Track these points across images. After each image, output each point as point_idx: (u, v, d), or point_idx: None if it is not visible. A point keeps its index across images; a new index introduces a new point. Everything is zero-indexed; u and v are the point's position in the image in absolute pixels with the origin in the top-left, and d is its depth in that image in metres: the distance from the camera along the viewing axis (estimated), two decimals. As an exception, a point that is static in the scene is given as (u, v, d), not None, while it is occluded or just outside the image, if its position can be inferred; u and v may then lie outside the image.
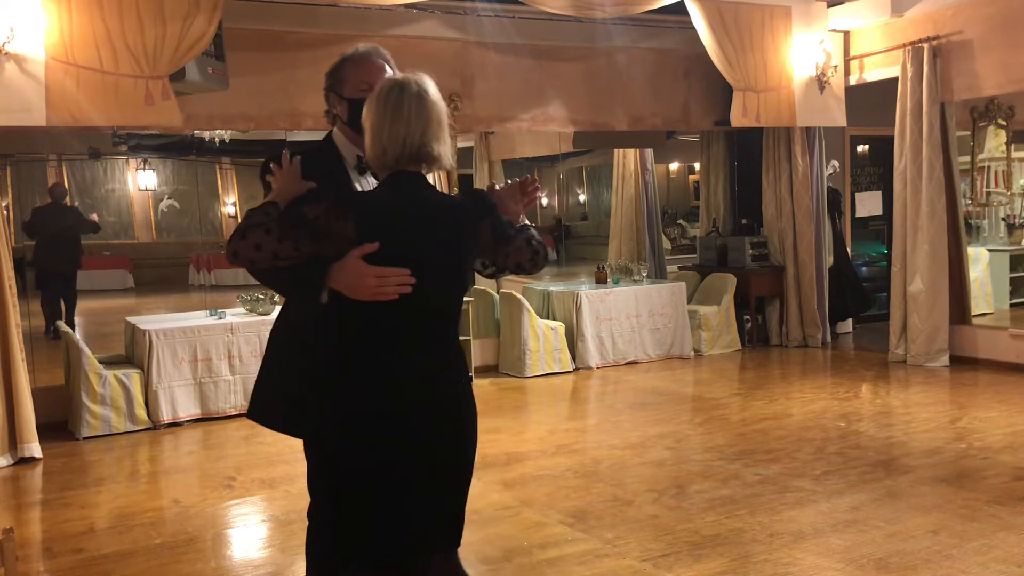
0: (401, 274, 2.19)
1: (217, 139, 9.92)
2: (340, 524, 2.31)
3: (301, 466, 5.39)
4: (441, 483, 2.42)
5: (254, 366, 6.68)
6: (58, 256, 9.16)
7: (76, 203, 11.63)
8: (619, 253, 10.38)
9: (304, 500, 4.78)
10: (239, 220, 12.95)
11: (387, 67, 2.62)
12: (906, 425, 5.95)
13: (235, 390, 6.68)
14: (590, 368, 8.06)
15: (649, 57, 8.50)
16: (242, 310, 7.15)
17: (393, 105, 2.25)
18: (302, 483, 5.04)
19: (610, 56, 8.35)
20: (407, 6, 7.14)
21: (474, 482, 5.18)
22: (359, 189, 2.55)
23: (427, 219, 2.26)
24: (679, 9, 7.59)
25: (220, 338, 6.66)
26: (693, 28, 7.72)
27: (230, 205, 17.69)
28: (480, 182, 10.88)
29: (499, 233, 2.38)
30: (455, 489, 2.53)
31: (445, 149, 2.31)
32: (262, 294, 7.29)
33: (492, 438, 5.94)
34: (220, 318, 6.88)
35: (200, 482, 5.23)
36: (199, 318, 6.95)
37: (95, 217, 10.40)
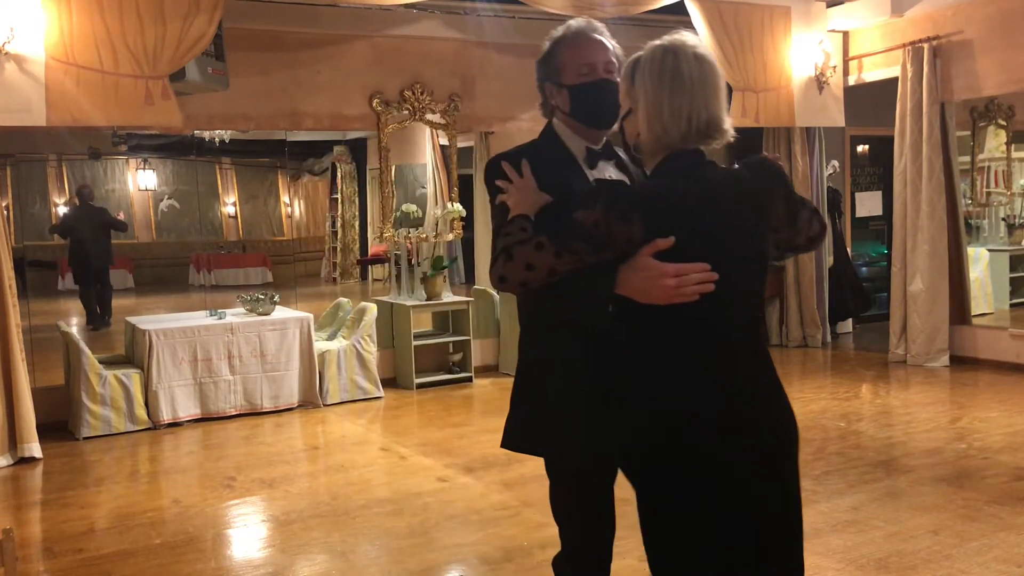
0: (701, 269, 1.84)
1: (217, 139, 9.93)
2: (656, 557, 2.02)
3: (301, 466, 5.40)
4: (777, 522, 1.97)
5: (254, 366, 6.73)
6: (93, 253, 9.80)
7: (72, 203, 11.65)
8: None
9: (303, 500, 4.80)
10: (239, 220, 13.01)
11: (606, 43, 2.33)
12: (906, 425, 5.95)
13: (235, 390, 6.68)
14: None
15: (649, 57, 8.49)
16: (242, 310, 7.15)
17: (671, 74, 1.89)
18: (302, 483, 5.07)
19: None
20: (407, 6, 7.15)
21: (474, 482, 5.21)
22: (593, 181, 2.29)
23: (722, 203, 1.91)
24: (679, 9, 7.58)
25: (220, 338, 6.66)
26: (693, 28, 7.71)
27: (230, 205, 17.71)
28: (479, 182, 10.87)
29: (791, 205, 2.05)
30: (792, 530, 2.01)
31: (729, 119, 1.98)
32: (262, 294, 7.29)
33: (492, 438, 5.93)
34: (220, 318, 6.88)
35: (200, 482, 5.23)
36: (199, 318, 6.95)
37: (121, 216, 10.86)
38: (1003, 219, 11.07)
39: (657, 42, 1.94)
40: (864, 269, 10.09)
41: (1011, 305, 9.96)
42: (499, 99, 8.04)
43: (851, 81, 8.59)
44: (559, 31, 2.34)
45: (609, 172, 2.32)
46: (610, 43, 2.33)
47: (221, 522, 4.56)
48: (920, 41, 7.76)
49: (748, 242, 1.95)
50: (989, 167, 11.37)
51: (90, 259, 9.76)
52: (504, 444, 2.39)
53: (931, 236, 7.77)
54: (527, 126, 8.52)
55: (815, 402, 6.66)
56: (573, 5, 7.13)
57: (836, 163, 9.55)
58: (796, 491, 1.99)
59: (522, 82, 8.02)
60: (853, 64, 8.57)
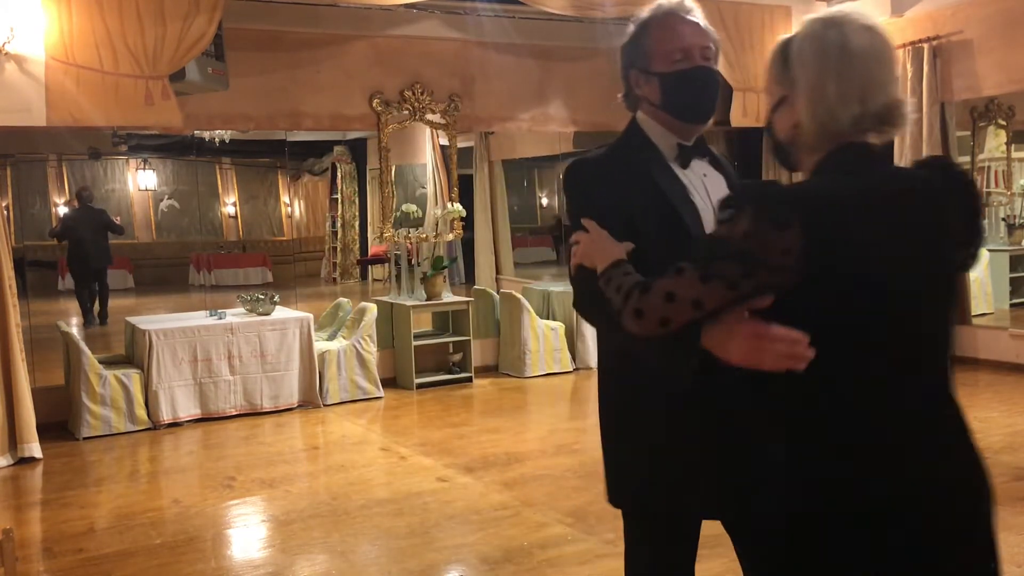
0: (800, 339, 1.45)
1: (217, 139, 9.93)
2: None
3: (301, 466, 5.41)
4: None
5: (254, 366, 6.72)
6: (92, 254, 10.05)
7: (72, 204, 11.69)
8: (619, 253, 10.36)
9: (303, 500, 4.80)
10: (239, 220, 13.06)
11: (702, 25, 2.04)
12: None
13: (235, 390, 6.68)
14: (590, 368, 8.06)
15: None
16: (242, 310, 7.15)
17: (837, 49, 1.52)
18: (302, 483, 5.07)
19: (611, 56, 8.23)
20: (407, 6, 7.14)
21: (474, 482, 5.21)
22: (687, 185, 1.97)
23: (903, 210, 1.50)
24: (679, 9, 7.58)
25: (220, 338, 6.66)
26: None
27: (230, 205, 17.71)
28: (480, 182, 10.89)
29: (976, 221, 1.64)
30: None
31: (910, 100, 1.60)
32: (262, 294, 7.29)
33: (492, 438, 5.94)
34: (220, 318, 6.88)
35: (200, 482, 5.23)
36: (199, 318, 6.95)
37: (118, 220, 11.01)
38: (1003, 219, 11.06)
39: (815, 15, 1.60)
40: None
41: (1011, 305, 9.95)
42: (499, 99, 8.05)
43: (851, 81, 8.57)
44: (646, 11, 2.04)
45: (704, 172, 2.04)
46: (706, 26, 2.03)
47: (221, 522, 4.55)
48: (920, 41, 7.76)
49: (939, 262, 1.53)
50: (989, 167, 11.37)
51: (89, 260, 9.94)
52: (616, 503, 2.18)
53: (931, 236, 7.76)
54: (527, 126, 8.53)
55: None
56: (573, 5, 7.12)
57: (836, 163, 9.53)
58: None
59: (522, 82, 8.03)
60: (853, 64, 8.55)
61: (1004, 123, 11.08)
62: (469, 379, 7.70)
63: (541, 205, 22.22)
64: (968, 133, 10.70)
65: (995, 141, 11.33)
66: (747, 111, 8.03)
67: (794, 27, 7.90)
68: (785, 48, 1.61)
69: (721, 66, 7.93)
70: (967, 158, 10.55)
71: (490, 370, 8.10)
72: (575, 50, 8.22)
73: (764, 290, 1.44)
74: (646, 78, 2.01)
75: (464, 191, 8.56)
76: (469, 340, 7.73)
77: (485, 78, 7.94)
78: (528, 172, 20.25)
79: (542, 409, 7.10)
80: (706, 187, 2.01)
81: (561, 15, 7.35)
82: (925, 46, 7.70)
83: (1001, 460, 5.01)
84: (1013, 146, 11.47)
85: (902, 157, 7.94)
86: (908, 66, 7.83)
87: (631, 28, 2.06)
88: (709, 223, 1.88)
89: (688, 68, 1.98)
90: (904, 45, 7.90)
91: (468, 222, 8.83)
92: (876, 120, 1.54)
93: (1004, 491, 4.48)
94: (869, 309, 1.45)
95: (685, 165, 2.01)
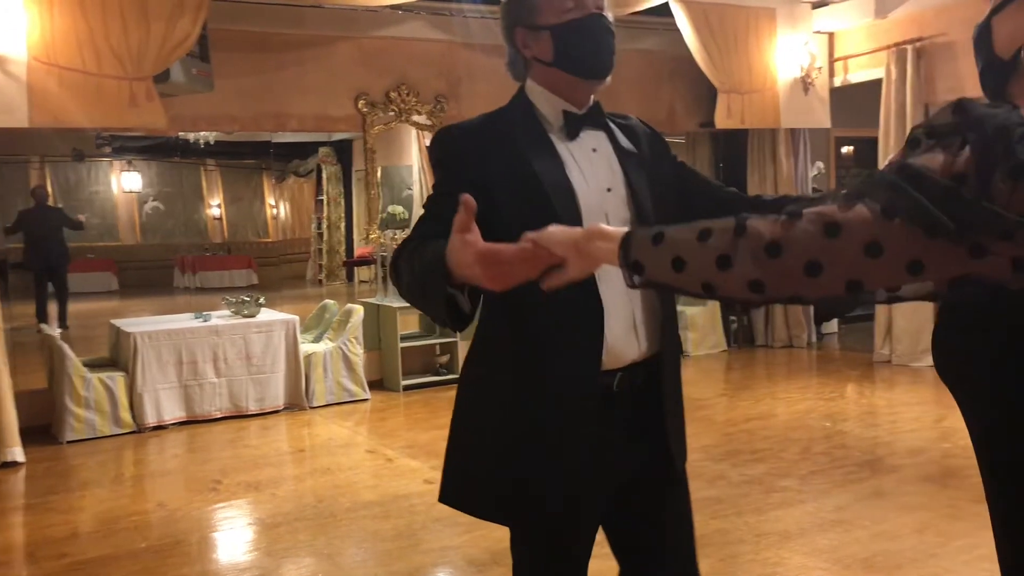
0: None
1: (202, 141, 9.90)
2: None
3: (287, 469, 5.37)
4: None
5: (240, 368, 6.70)
6: (47, 253, 9.97)
7: (60, 206, 11.62)
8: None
9: (289, 503, 4.78)
10: (224, 222, 13.06)
11: None
12: (891, 425, 5.98)
13: (220, 393, 6.65)
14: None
15: (634, 59, 8.52)
16: (227, 312, 7.12)
17: None
18: (288, 486, 5.05)
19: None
20: (392, 7, 7.14)
21: (461, 484, 5.15)
22: (567, 160, 1.76)
23: None
24: (664, 11, 7.60)
25: (205, 341, 6.62)
26: (678, 30, 7.73)
27: (215, 207, 17.63)
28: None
29: None
30: None
31: None
32: (247, 296, 7.26)
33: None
34: (205, 320, 6.84)
35: (185, 485, 5.20)
36: (184, 320, 6.92)
37: (82, 218, 10.84)
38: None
39: None
40: (849, 270, 10.13)
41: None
42: (486, 100, 7.99)
43: (836, 82, 8.62)
44: None
45: (594, 146, 1.82)
46: None
47: (207, 525, 4.53)
48: (904, 43, 7.80)
49: None
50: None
51: (44, 258, 9.93)
52: (441, 498, 1.96)
53: (915, 237, 7.80)
54: (513, 127, 8.52)
55: (801, 402, 6.68)
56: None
57: (821, 164, 9.59)
58: None
59: (509, 84, 8.00)
60: (838, 65, 8.60)
61: (987, 124, 11.14)
62: (456, 381, 7.67)
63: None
64: (951, 134, 10.74)
65: (978, 142, 11.41)
66: (731, 112, 8.05)
67: (779, 29, 7.87)
68: None
69: (706, 69, 7.97)
70: (950, 159, 10.60)
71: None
72: (561, 51, 8.22)
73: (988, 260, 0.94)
74: (534, 35, 1.78)
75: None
76: (456, 342, 7.72)
77: (471, 79, 7.93)
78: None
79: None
80: (592, 164, 1.79)
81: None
82: (909, 48, 7.74)
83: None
84: (996, 147, 11.54)
85: (886, 159, 7.98)
86: (892, 67, 7.87)
87: None
88: (589, 205, 1.73)
89: (583, 16, 1.76)
90: (888, 47, 7.94)
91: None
92: None
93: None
94: None
95: (573, 136, 1.80)
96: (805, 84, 8.36)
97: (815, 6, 8.42)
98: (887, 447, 5.45)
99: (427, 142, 8.11)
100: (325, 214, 16.22)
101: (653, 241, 1.12)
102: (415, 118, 7.76)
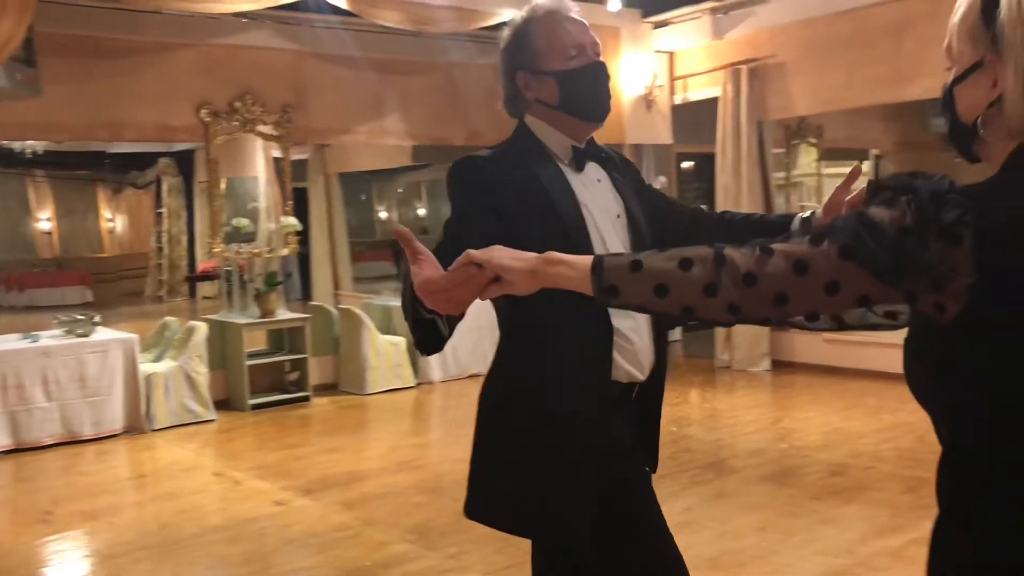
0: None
1: (29, 150, 9.29)
2: None
3: (126, 496, 5.10)
4: None
5: (73, 391, 6.31)
6: None
7: None
8: (458, 267, 10.40)
9: (130, 531, 4.53)
10: (55, 236, 12.38)
11: (585, 21, 1.97)
12: (732, 428, 6.25)
13: (52, 418, 6.23)
14: (432, 382, 8.04)
15: (487, 72, 8.59)
16: (59, 332, 6.69)
17: None
18: (128, 514, 4.79)
19: (448, 71, 8.39)
20: (236, 15, 6.93)
21: (313, 503, 5.08)
22: (579, 190, 1.89)
23: None
24: (513, 26, 7.71)
25: (34, 363, 6.20)
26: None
27: (44, 220, 16.59)
28: (315, 195, 10.68)
29: None
30: None
31: None
32: (81, 315, 6.85)
33: (331, 458, 5.81)
34: (34, 341, 6.41)
35: (12, 518, 4.84)
36: (9, 341, 6.46)
37: None
38: (815, 231, 11.82)
39: None
40: (692, 280, 10.52)
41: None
42: (335, 111, 7.92)
43: (677, 100, 8.97)
44: (525, 12, 1.95)
45: (598, 176, 1.96)
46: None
47: (36, 560, 4.23)
48: (739, 63, 8.21)
49: None
50: (802, 182, 12.15)
51: None
52: (468, 514, 2.01)
53: (752, 248, 8.19)
54: (363, 139, 8.45)
55: (649, 409, 6.88)
56: (408, 19, 7.12)
57: (664, 179, 9.94)
58: None
59: (359, 94, 7.94)
60: (679, 84, 8.96)
61: (815, 141, 11.87)
62: (307, 398, 7.51)
63: (380, 219, 22.02)
64: (783, 151, 11.39)
65: (807, 158, 12.13)
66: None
67: (623, 47, 8.14)
68: (983, 6, 1.21)
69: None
70: (783, 174, 11.22)
71: (329, 388, 7.93)
72: (413, 63, 8.21)
73: (916, 300, 1.08)
74: (537, 79, 1.92)
75: (299, 204, 8.37)
76: (306, 358, 7.54)
77: (320, 90, 7.80)
78: (366, 185, 20.05)
79: (383, 426, 7.01)
80: (598, 193, 1.94)
81: (397, 29, 7.33)
82: (743, 68, 8.14)
83: (819, 457, 5.33)
84: (823, 163, 12.32)
85: (723, 173, 8.37)
86: (728, 86, 8.26)
87: (507, 32, 1.97)
88: (601, 231, 1.88)
89: (586, 64, 1.92)
90: (725, 66, 8.33)
91: (304, 236, 8.63)
92: None
93: (823, 487, 4.77)
94: None
95: (580, 168, 1.94)
96: (648, 101, 8.66)
97: (656, 26, 8.74)
98: (729, 449, 5.68)
99: (274, 152, 7.92)
100: (165, 227, 15.55)
101: (631, 268, 1.20)
102: (261, 128, 7.55)
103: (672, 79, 8.93)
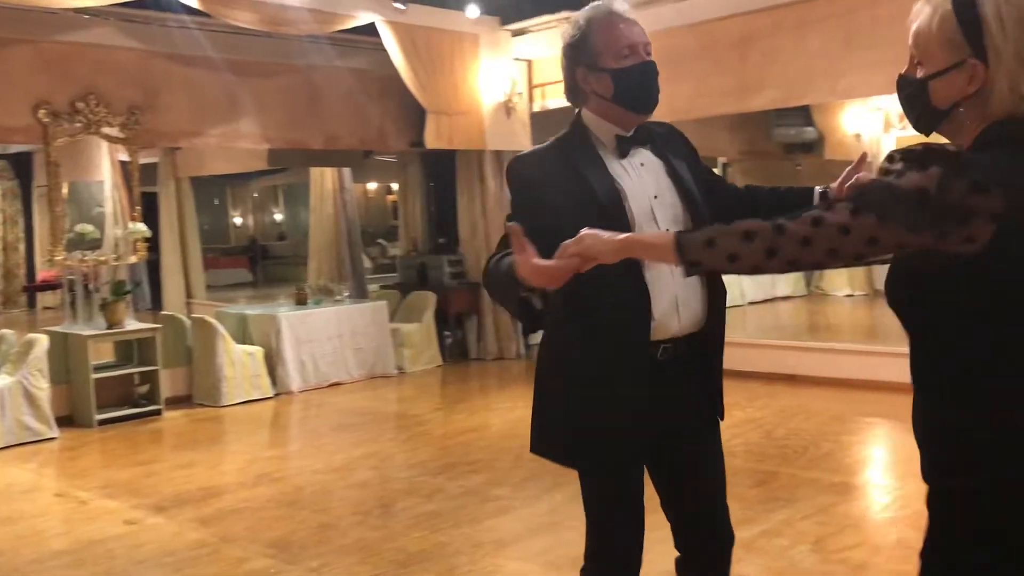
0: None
1: None
2: None
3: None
4: None
5: None
6: None
7: None
8: (319, 273, 10.23)
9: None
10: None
11: (638, 23, 2.23)
12: (594, 429, 6.37)
13: None
14: (291, 392, 7.85)
15: (345, 76, 8.49)
16: None
17: None
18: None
19: (306, 73, 8.23)
20: (77, 10, 6.58)
21: (167, 521, 4.87)
22: (620, 174, 2.16)
23: None
24: (374, 30, 7.64)
25: None
26: (385, 50, 7.81)
27: None
28: (166, 200, 10.28)
29: None
30: None
31: None
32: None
33: (186, 473, 5.58)
34: None
35: None
36: None
37: None
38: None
39: None
40: (552, 284, 10.70)
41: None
42: (186, 113, 7.63)
43: (536, 108, 9.10)
44: (586, 13, 2.19)
45: (642, 160, 2.22)
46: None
47: None
48: (595, 72, 8.38)
49: None
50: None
51: None
52: (534, 450, 2.36)
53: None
54: (216, 142, 8.18)
55: (513, 411, 6.94)
56: (263, 20, 6.95)
57: (524, 184, 10.07)
58: None
59: (211, 96, 7.68)
60: (537, 92, 9.09)
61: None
62: (159, 412, 7.19)
63: (235, 224, 21.33)
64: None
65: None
66: (440, 133, 8.24)
67: (482, 54, 8.15)
68: (967, 10, 1.48)
69: (413, 89, 8.09)
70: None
71: (182, 401, 7.62)
72: (269, 65, 8.00)
73: (948, 243, 1.41)
74: (596, 75, 2.17)
75: (148, 210, 8.02)
76: (157, 370, 7.22)
77: (170, 91, 7.49)
78: (220, 190, 19.42)
79: (240, 438, 6.79)
80: (641, 176, 2.20)
81: (252, 29, 7.13)
82: (599, 77, 8.33)
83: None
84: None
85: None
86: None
87: (571, 30, 2.19)
88: (639, 210, 2.13)
89: (638, 63, 2.19)
90: (581, 75, 8.51)
91: (153, 243, 8.28)
92: None
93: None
94: None
95: (624, 155, 2.20)
96: (508, 108, 8.75)
97: (515, 34, 8.85)
98: (591, 450, 5.79)
99: (121, 155, 7.58)
100: (0, 234, 14.62)
101: (705, 245, 1.55)
102: (106, 130, 7.19)
103: (531, 87, 9.06)
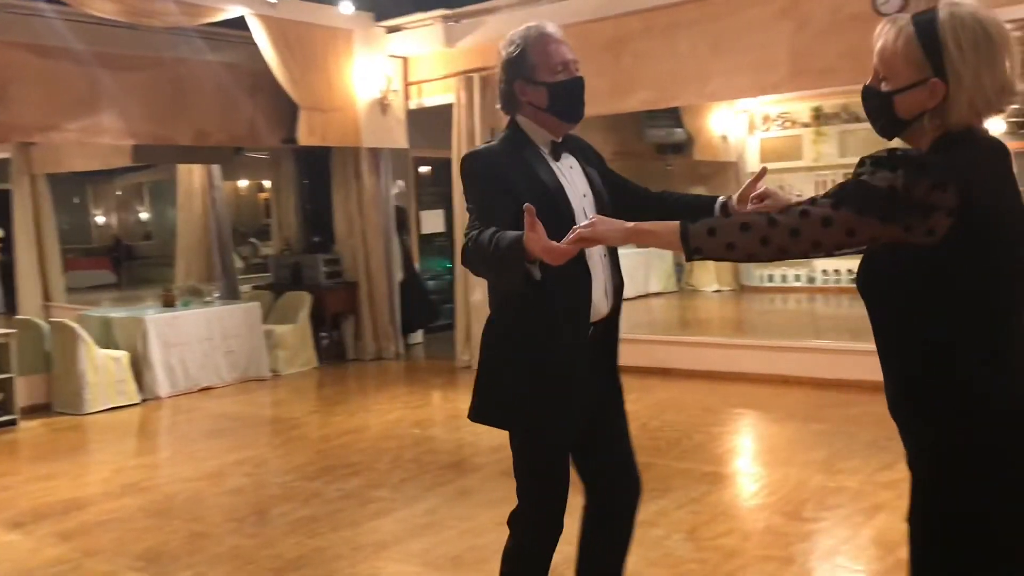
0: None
1: None
2: None
3: None
4: None
5: None
6: None
7: None
8: (188, 274, 9.88)
9: None
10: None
11: (567, 43, 2.51)
12: (473, 426, 6.33)
13: None
14: (159, 398, 7.55)
15: (214, 70, 8.21)
16: None
17: (986, 43, 1.68)
18: None
19: (173, 67, 7.92)
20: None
21: (23, 538, 4.62)
22: (558, 174, 2.46)
23: (1009, 174, 1.75)
24: (241, 24, 7.43)
25: None
26: (256, 44, 7.61)
27: None
28: (20, 198, 9.72)
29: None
30: None
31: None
32: None
33: (45, 486, 5.29)
34: None
35: None
36: None
37: None
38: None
39: (948, 4, 1.72)
40: (431, 282, 10.68)
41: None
42: (41, 106, 7.22)
43: (412, 105, 9.05)
44: (523, 32, 2.49)
45: (570, 164, 2.52)
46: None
47: None
48: (471, 71, 8.41)
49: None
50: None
51: None
52: (475, 418, 2.62)
53: (487, 251, 8.42)
54: (75, 137, 7.79)
55: (391, 412, 6.89)
56: (126, 11, 6.67)
57: (402, 183, 10.00)
58: None
59: (69, 88, 7.29)
60: (414, 89, 9.04)
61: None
62: (13, 422, 6.79)
63: (97, 224, 20.40)
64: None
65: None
66: (313, 130, 8.09)
67: (356, 50, 8.06)
68: (929, 31, 1.69)
69: (286, 85, 7.94)
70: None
71: (41, 409, 7.22)
72: (134, 58, 7.66)
73: (910, 234, 1.63)
74: (533, 87, 2.46)
75: (1, 209, 7.57)
76: (12, 377, 6.81)
77: (24, 82, 7.07)
78: (80, 187, 18.50)
79: (105, 448, 6.48)
80: (572, 177, 2.50)
81: (114, 21, 6.82)
82: (475, 76, 8.36)
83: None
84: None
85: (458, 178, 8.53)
86: (462, 93, 8.44)
87: (510, 47, 2.50)
88: (576, 203, 2.44)
89: (569, 79, 2.47)
90: (458, 74, 8.51)
91: (6, 243, 7.82)
92: (1006, 104, 1.73)
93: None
94: (1003, 258, 1.69)
95: (557, 158, 2.49)
96: (383, 105, 8.67)
97: (390, 30, 8.77)
98: (471, 447, 5.80)
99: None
100: None
101: (708, 234, 1.75)
102: (-48, 123, 6.74)
103: (407, 84, 9.00)
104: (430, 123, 9.43)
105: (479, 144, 8.33)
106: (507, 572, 2.63)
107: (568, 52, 2.49)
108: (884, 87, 1.78)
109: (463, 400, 7.76)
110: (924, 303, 1.71)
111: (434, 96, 8.91)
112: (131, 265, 18.20)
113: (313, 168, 9.75)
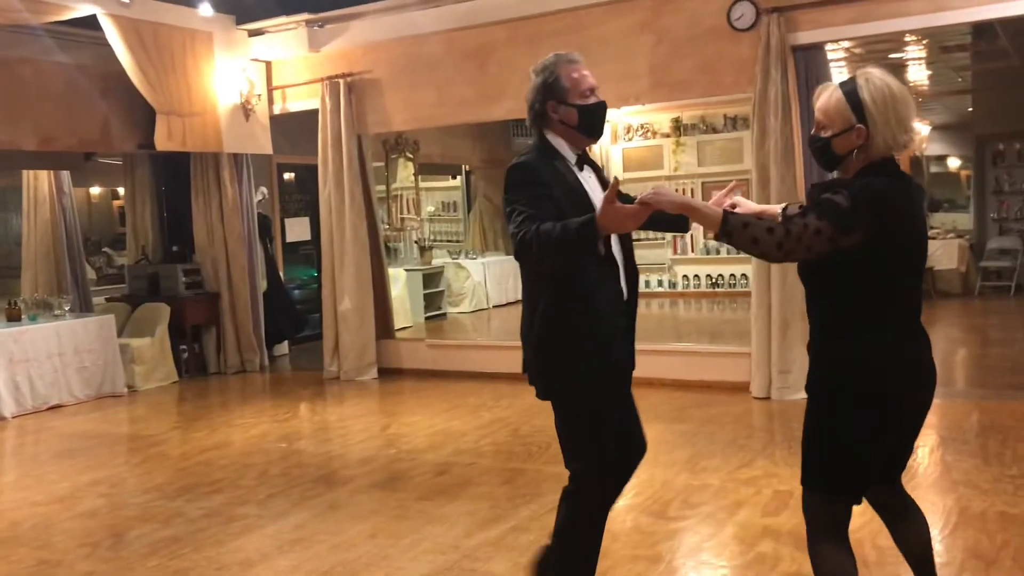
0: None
1: None
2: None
3: None
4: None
5: None
6: None
7: None
8: (35, 286, 9.31)
9: None
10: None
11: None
12: (343, 438, 6.28)
13: None
14: (4, 418, 7.10)
15: (62, 72, 7.78)
16: None
17: (891, 97, 2.41)
18: None
19: (14, 68, 7.46)
20: None
21: None
22: (582, 183, 2.86)
23: (918, 203, 2.49)
24: (93, 23, 7.09)
25: None
26: (110, 45, 7.27)
27: None
28: None
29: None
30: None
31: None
32: None
33: None
34: None
35: None
36: None
37: None
38: (415, 242, 12.35)
39: (867, 72, 2.45)
40: (297, 292, 10.47)
41: (426, 318, 11.15)
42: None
43: (276, 110, 8.85)
44: (554, 59, 2.90)
45: (589, 173, 2.94)
46: None
47: None
48: (336, 76, 8.29)
49: (925, 234, 2.62)
50: (402, 195, 12.62)
51: None
52: (545, 396, 2.97)
53: (356, 258, 8.33)
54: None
55: (256, 427, 6.69)
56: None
57: (265, 190, 9.76)
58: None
59: (35, 97, 6.75)
60: (278, 94, 8.84)
61: (412, 156, 12.38)
62: None
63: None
64: (383, 164, 11.73)
65: (405, 172, 12.62)
66: (172, 135, 7.80)
67: (217, 53, 7.84)
68: (853, 94, 2.42)
69: (141, 88, 7.65)
70: (383, 187, 11.55)
71: None
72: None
73: (846, 246, 2.32)
74: (565, 108, 2.87)
75: None
76: None
77: None
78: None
79: (-58, 472, 6.03)
80: (593, 184, 2.92)
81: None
82: (341, 81, 8.25)
83: (426, 459, 5.55)
84: (420, 177, 12.89)
85: (326, 185, 8.40)
86: (327, 99, 8.32)
87: (543, 71, 2.90)
88: (599, 207, 2.67)
89: (596, 103, 2.90)
90: (323, 79, 8.38)
91: None
92: (908, 141, 2.46)
93: (430, 487, 4.97)
94: (906, 264, 2.48)
95: (581, 169, 2.91)
96: (246, 110, 8.44)
97: (252, 34, 8.55)
98: (340, 460, 5.70)
99: None
100: None
101: (742, 226, 2.33)
102: None
103: (270, 89, 8.79)
104: (295, 129, 9.23)
105: (345, 151, 8.25)
106: (568, 541, 2.93)
107: (593, 79, 2.91)
108: (824, 134, 2.49)
109: (331, 412, 7.69)
110: (843, 284, 2.43)
111: (299, 101, 8.74)
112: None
113: (171, 174, 9.38)
